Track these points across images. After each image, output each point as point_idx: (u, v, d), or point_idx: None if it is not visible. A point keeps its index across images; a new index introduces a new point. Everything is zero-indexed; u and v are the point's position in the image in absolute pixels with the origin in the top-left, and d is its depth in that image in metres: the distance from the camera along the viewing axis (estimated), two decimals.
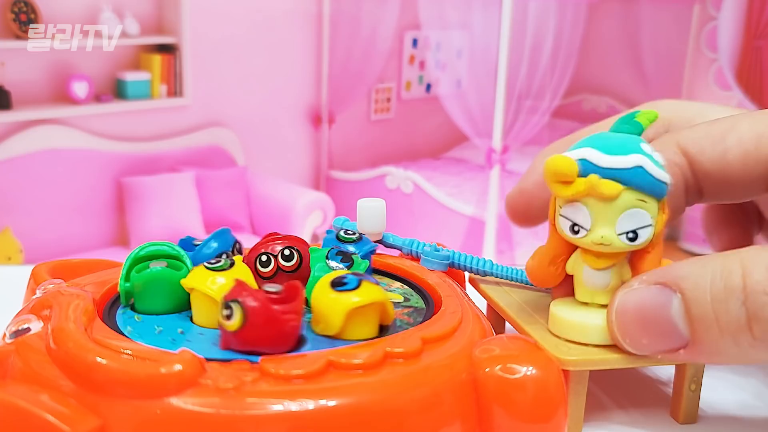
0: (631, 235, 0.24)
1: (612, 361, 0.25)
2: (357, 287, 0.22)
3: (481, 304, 0.30)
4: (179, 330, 0.23)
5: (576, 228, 0.25)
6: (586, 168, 0.24)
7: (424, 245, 0.30)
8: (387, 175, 2.13)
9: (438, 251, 0.30)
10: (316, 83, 2.14)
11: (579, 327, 0.25)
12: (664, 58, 2.22)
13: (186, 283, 0.24)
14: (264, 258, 0.26)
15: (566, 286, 0.27)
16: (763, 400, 0.29)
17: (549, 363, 0.22)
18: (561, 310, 0.26)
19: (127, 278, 0.25)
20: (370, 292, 0.23)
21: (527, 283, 0.31)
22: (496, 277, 0.31)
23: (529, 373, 0.21)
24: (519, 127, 2.04)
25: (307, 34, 2.08)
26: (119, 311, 0.25)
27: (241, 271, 0.24)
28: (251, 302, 0.21)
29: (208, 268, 0.24)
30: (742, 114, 0.28)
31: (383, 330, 0.24)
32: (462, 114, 2.08)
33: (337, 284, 0.23)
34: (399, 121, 2.34)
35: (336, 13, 2.09)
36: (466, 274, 0.32)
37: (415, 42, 2.29)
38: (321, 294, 0.23)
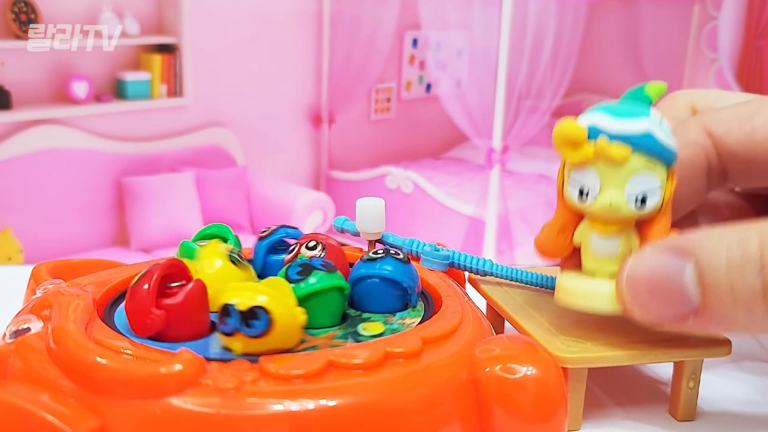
0: (639, 199, 0.24)
1: (610, 358, 0.25)
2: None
3: (481, 304, 0.30)
4: None
5: (584, 192, 0.25)
6: (596, 132, 0.24)
7: (424, 245, 0.30)
8: (387, 175, 2.13)
9: (438, 251, 0.30)
10: (316, 83, 2.14)
11: (587, 293, 0.25)
12: (664, 58, 2.22)
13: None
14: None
15: (574, 260, 0.27)
16: (762, 398, 0.29)
17: (549, 363, 0.22)
18: (568, 279, 0.26)
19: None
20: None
21: (527, 283, 0.31)
22: (496, 277, 0.31)
23: (529, 373, 0.21)
24: (519, 127, 2.04)
25: (307, 34, 2.08)
26: None
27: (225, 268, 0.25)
28: (132, 286, 0.23)
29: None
30: (767, 97, 0.28)
31: None
32: (462, 114, 2.08)
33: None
34: (399, 121, 2.34)
35: (336, 13, 2.09)
36: (466, 274, 0.32)
37: (415, 42, 2.29)
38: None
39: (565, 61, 2.14)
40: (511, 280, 0.31)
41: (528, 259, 1.95)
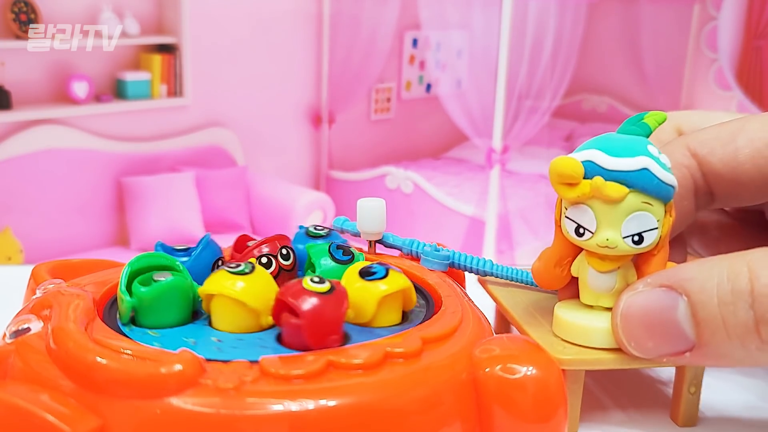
0: (636, 237, 0.24)
1: (608, 361, 0.25)
2: (385, 276, 0.24)
3: (489, 305, 0.30)
4: (214, 338, 0.23)
5: (581, 230, 0.24)
6: (592, 170, 0.24)
7: (424, 245, 0.30)
8: (387, 175, 2.13)
9: (438, 251, 0.30)
10: (316, 83, 2.14)
11: (583, 330, 0.25)
12: (664, 58, 2.22)
13: (208, 289, 0.23)
14: (265, 260, 0.26)
15: (572, 288, 0.27)
16: (764, 403, 0.29)
17: (549, 363, 0.22)
18: (565, 313, 0.26)
19: (130, 293, 0.23)
20: (396, 280, 0.24)
21: (527, 283, 0.31)
22: (496, 277, 0.31)
23: (529, 373, 0.21)
24: (519, 127, 2.04)
25: (307, 34, 2.09)
26: (126, 330, 0.23)
27: (262, 274, 0.24)
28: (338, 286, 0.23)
29: (230, 272, 0.23)
30: (751, 115, 0.28)
31: (405, 315, 0.25)
32: (462, 114, 2.08)
33: (366, 274, 0.24)
34: (399, 121, 2.34)
35: (336, 13, 2.09)
36: (466, 274, 0.32)
37: (415, 42, 2.29)
38: (351, 284, 0.24)
39: (565, 61, 2.14)
40: (511, 281, 0.31)
41: (528, 259, 1.95)
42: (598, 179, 0.24)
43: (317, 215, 1.91)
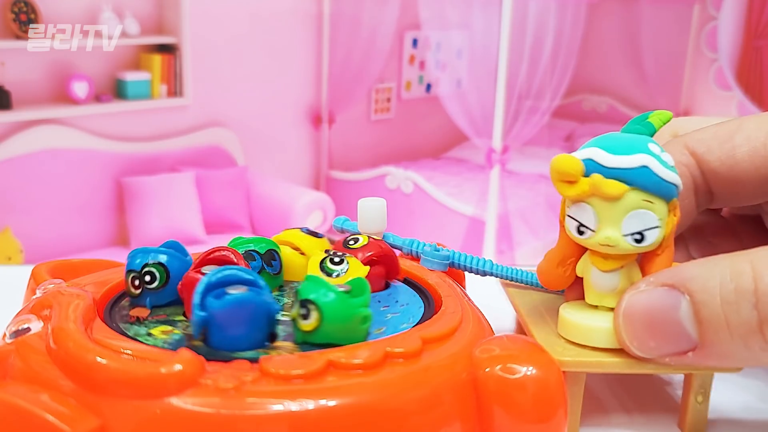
0: (637, 236, 0.24)
1: (608, 364, 0.25)
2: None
3: (490, 305, 0.30)
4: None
5: (582, 228, 0.24)
6: (591, 168, 0.24)
7: (424, 245, 0.30)
8: (387, 175, 2.13)
9: (438, 251, 0.30)
10: (316, 83, 2.14)
11: (586, 330, 0.25)
12: (664, 58, 2.22)
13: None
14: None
15: (579, 289, 0.27)
16: None
17: (549, 363, 0.22)
18: (569, 313, 0.26)
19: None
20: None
21: (527, 283, 0.31)
22: (496, 277, 0.31)
23: (529, 373, 0.21)
24: (519, 127, 2.04)
25: (307, 34, 2.08)
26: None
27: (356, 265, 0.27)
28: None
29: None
30: (748, 116, 0.28)
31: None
32: (462, 114, 2.08)
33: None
34: (399, 121, 2.34)
35: (336, 13, 2.09)
36: (466, 274, 0.32)
37: (415, 42, 2.29)
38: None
39: (565, 61, 2.14)
40: (511, 280, 0.31)
41: (528, 260, 1.95)
42: (596, 176, 0.24)
43: (317, 215, 1.91)
